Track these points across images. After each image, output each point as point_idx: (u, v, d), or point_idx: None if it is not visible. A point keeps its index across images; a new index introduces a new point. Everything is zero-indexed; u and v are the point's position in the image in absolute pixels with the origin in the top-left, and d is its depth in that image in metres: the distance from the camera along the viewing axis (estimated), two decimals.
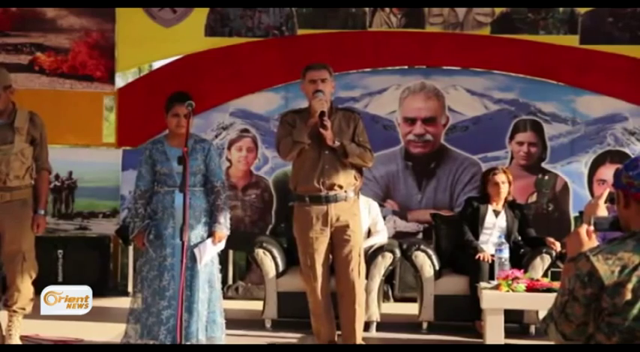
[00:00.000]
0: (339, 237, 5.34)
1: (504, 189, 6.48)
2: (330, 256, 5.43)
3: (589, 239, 2.43)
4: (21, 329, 5.44)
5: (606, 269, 2.27)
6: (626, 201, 2.40)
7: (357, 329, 5.36)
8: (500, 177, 6.48)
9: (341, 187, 5.31)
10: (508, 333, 5.56)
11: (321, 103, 5.22)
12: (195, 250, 5.10)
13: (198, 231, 5.17)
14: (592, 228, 2.45)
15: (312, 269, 5.33)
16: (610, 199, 2.50)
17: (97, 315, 5.32)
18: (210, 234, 5.18)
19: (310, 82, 5.32)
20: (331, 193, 5.30)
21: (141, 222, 5.18)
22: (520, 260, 6.25)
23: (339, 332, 5.49)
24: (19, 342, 5.40)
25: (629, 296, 2.25)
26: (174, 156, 5.04)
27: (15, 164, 5.37)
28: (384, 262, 6.28)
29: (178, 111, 5.14)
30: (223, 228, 5.19)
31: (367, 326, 5.98)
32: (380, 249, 6.32)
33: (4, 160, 5.35)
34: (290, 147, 5.31)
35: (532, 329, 6.17)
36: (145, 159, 5.26)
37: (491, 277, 5.95)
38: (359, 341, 5.39)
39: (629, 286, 2.26)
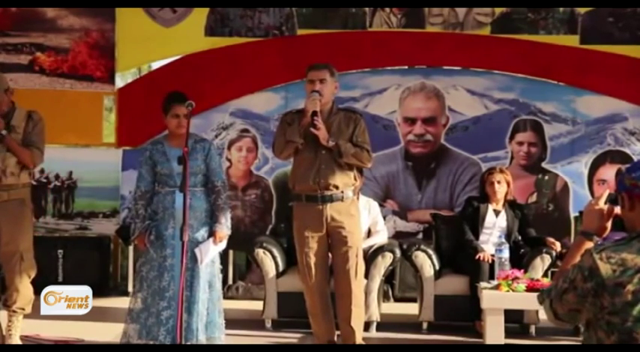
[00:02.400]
0: (335, 238, 5.34)
1: (500, 189, 6.46)
2: (330, 256, 5.44)
3: (607, 220, 2.47)
4: (21, 329, 5.44)
5: (608, 268, 2.29)
6: (631, 203, 2.41)
7: (356, 329, 5.36)
8: (496, 177, 6.47)
9: (337, 187, 5.31)
10: (508, 333, 5.56)
11: (314, 103, 5.22)
12: (196, 250, 5.10)
13: (200, 232, 5.16)
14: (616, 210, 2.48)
15: (308, 268, 5.34)
16: (610, 200, 2.50)
17: (97, 315, 5.32)
18: (211, 233, 5.18)
19: (309, 81, 5.33)
20: (327, 193, 5.30)
21: (141, 223, 5.17)
22: (520, 260, 6.25)
23: (338, 333, 5.49)
24: (19, 342, 5.40)
25: (629, 297, 2.26)
26: (174, 156, 5.03)
27: (10, 161, 5.36)
28: (384, 262, 6.28)
29: (178, 111, 5.13)
30: (224, 228, 5.19)
31: (367, 326, 5.98)
32: (380, 249, 6.32)
33: (0, 157, 5.35)
34: (283, 146, 5.32)
35: (532, 329, 6.17)
36: (145, 159, 5.26)
37: (492, 277, 5.95)
38: (359, 341, 5.39)
39: (630, 288, 2.26)
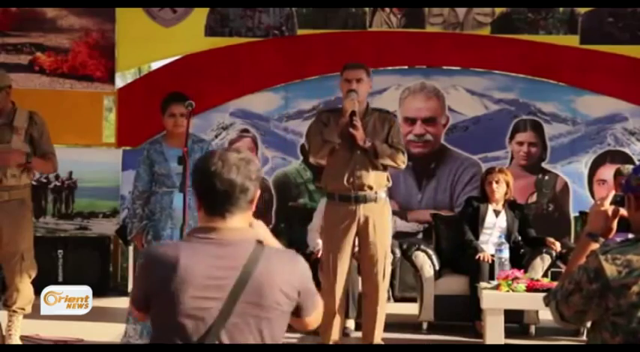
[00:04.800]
0: (366, 239, 5.33)
1: (499, 189, 6.45)
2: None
3: (612, 221, 2.47)
4: (21, 329, 5.44)
5: (613, 269, 2.28)
6: (637, 204, 2.40)
7: (376, 329, 5.41)
8: (494, 177, 6.47)
9: (371, 188, 5.31)
10: (508, 333, 5.55)
11: (353, 103, 5.22)
12: None
13: None
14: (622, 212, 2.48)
15: (334, 269, 5.33)
16: (615, 201, 2.49)
17: (97, 315, 5.31)
18: None
19: (345, 81, 5.32)
20: (360, 193, 5.30)
21: (139, 222, 5.18)
22: (520, 260, 6.25)
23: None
24: (19, 342, 5.40)
25: (634, 298, 2.26)
26: (172, 156, 5.03)
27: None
28: None
29: (174, 111, 5.14)
30: None
31: None
32: None
33: (1, 159, 5.34)
34: (320, 147, 5.32)
35: (532, 329, 6.17)
36: (143, 159, 5.26)
37: (492, 277, 5.95)
38: (377, 340, 5.43)
39: (635, 289, 2.26)
